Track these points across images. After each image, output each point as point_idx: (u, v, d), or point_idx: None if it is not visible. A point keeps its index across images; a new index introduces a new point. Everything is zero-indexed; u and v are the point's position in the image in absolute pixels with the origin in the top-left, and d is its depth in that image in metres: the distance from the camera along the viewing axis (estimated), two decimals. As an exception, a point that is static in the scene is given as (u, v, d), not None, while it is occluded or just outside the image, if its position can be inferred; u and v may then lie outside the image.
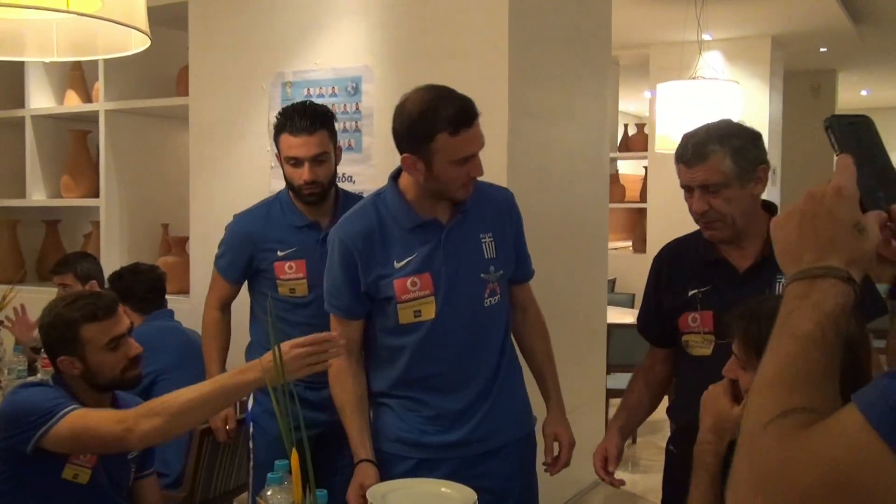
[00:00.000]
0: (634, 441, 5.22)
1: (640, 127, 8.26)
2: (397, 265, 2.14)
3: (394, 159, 3.34)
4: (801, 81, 9.64)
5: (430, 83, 2.10)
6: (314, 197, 2.68)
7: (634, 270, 6.20)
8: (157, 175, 4.49)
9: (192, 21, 3.84)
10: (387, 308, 2.15)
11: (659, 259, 2.30)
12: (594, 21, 4.02)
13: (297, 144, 2.61)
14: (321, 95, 3.56)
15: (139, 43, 2.30)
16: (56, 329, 2.24)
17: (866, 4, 7.23)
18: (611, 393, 4.57)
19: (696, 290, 2.16)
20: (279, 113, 2.68)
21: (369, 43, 3.47)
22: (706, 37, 7.22)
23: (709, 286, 2.15)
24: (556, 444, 2.29)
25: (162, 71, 4.35)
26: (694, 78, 6.29)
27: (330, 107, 3.69)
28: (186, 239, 4.14)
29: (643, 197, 8.25)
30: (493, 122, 3.17)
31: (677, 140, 6.43)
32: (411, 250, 2.15)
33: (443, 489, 1.88)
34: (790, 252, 1.07)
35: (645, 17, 6.96)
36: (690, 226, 2.22)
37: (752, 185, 2.06)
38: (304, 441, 1.63)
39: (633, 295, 6.52)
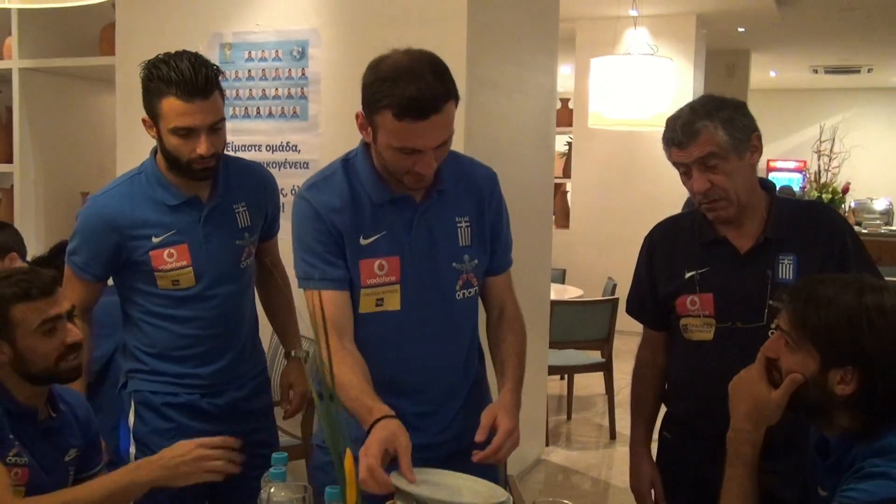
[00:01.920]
0: (570, 417, 5.22)
1: (565, 102, 8.24)
2: (363, 242, 1.91)
3: (342, 127, 3.23)
4: (717, 60, 9.81)
5: (418, 49, 1.81)
6: (208, 172, 2.24)
7: (558, 245, 6.21)
8: (76, 140, 4.18)
9: (117, -24, 3.55)
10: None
11: (650, 240, 2.22)
12: None
13: (191, 111, 2.14)
14: (263, 59, 3.36)
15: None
16: None
17: (789, -14, 7.37)
18: (552, 370, 4.54)
19: (693, 272, 2.09)
20: (151, 68, 2.17)
21: (317, 5, 3.28)
22: (633, 13, 7.23)
23: (707, 267, 2.08)
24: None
25: (82, 29, 4.04)
26: (627, 54, 6.29)
27: (273, 72, 3.56)
28: (109, 209, 3.88)
29: (566, 173, 8.27)
30: None
31: (611, 116, 6.46)
32: (379, 227, 1.92)
33: (471, 483, 1.71)
34: None
35: (573, -9, 6.92)
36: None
37: (749, 154, 2.01)
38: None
39: (564, 270, 6.51)
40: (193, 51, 2.21)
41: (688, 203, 5.72)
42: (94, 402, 2.31)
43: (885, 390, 1.52)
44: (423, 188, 1.91)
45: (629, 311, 2.28)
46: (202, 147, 2.17)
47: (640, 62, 5.92)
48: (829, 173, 9.81)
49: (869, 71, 12.28)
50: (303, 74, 3.33)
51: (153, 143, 2.28)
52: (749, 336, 2.01)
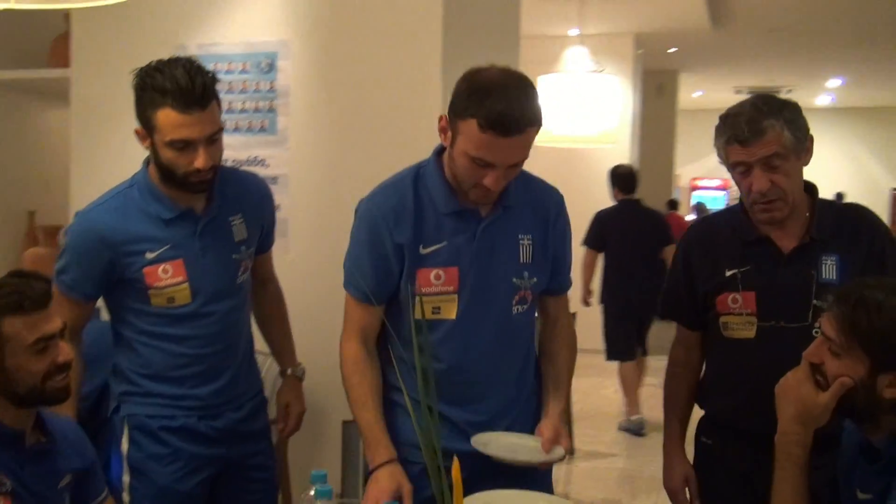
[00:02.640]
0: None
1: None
2: (423, 251, 1.95)
3: (313, 141, 3.16)
4: (649, 80, 10.07)
5: (516, 70, 1.92)
6: (205, 185, 2.17)
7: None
8: (21, 156, 3.99)
9: (74, -17, 3.41)
10: (404, 299, 1.96)
11: (687, 239, 2.26)
12: (508, 9, 3.93)
13: (189, 123, 2.06)
14: (230, 72, 3.26)
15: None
16: None
17: (726, 7, 7.59)
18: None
19: (735, 270, 2.10)
20: (144, 77, 2.10)
21: (288, 16, 3.20)
22: (574, 32, 7.34)
23: (749, 266, 2.10)
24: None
25: (30, 41, 3.85)
26: (572, 72, 6.37)
27: (240, 85, 3.46)
28: (59, 228, 3.70)
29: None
30: (427, 107, 3.03)
31: (558, 133, 6.53)
32: (441, 238, 1.95)
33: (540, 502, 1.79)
34: None
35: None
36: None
37: (804, 156, 2.04)
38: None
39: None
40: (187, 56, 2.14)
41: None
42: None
43: None
44: (488, 203, 1.94)
45: (663, 312, 2.32)
46: (200, 160, 2.09)
47: (587, 80, 6.00)
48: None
49: (789, 91, 12.77)
50: (271, 87, 3.25)
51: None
52: (793, 335, 2.04)
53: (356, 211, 2.06)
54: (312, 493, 1.69)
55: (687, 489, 2.21)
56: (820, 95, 13.86)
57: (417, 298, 1.92)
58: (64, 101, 3.56)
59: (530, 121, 1.83)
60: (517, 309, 2.02)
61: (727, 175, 2.17)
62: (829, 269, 2.07)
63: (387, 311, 2.05)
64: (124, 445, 2.26)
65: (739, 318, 2.09)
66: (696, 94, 13.42)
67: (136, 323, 2.23)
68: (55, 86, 3.62)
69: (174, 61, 2.10)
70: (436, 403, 1.34)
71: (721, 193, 14.82)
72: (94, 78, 3.41)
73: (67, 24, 3.50)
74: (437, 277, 1.94)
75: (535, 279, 2.04)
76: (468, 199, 1.94)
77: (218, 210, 2.26)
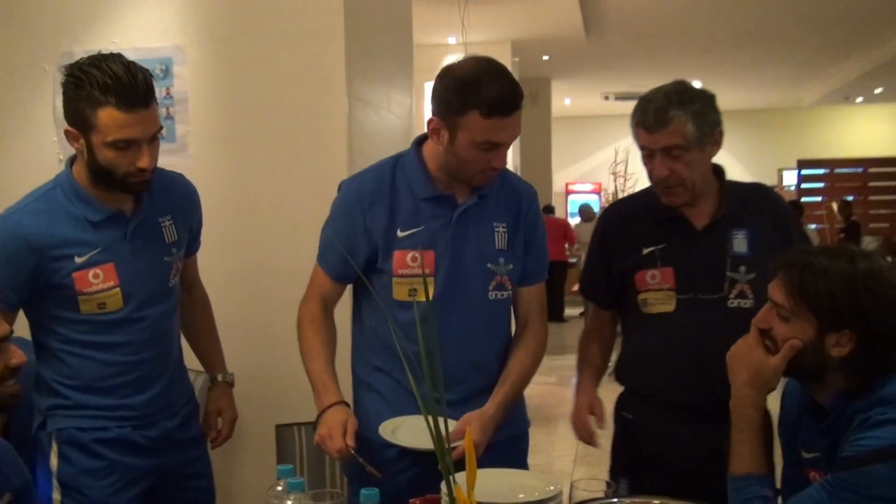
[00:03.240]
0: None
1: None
2: (400, 234, 2.03)
3: (214, 148, 3.10)
4: (524, 88, 10.27)
5: (482, 55, 2.01)
6: (145, 185, 2.11)
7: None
8: None
9: (-54, -10, 3.23)
10: (383, 280, 2.07)
11: (604, 221, 2.35)
12: (400, 15, 3.97)
13: (134, 123, 2.00)
14: (122, 79, 3.16)
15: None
16: None
17: (598, 14, 7.88)
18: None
19: (653, 248, 2.19)
20: (78, 72, 2.01)
21: (182, 21, 3.12)
22: (451, 40, 7.44)
23: (665, 243, 2.19)
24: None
25: None
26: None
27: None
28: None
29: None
30: (332, 110, 3.04)
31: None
32: (418, 222, 2.04)
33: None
34: None
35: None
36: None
37: (710, 147, 2.13)
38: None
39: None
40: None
41: None
42: None
43: (881, 348, 1.63)
44: (485, 184, 2.05)
45: (582, 290, 2.41)
46: (144, 160, 2.03)
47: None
48: (626, 193, 10.51)
49: (652, 96, 13.32)
50: (167, 94, 3.15)
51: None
52: (710, 306, 2.15)
53: (338, 189, 2.17)
54: (280, 487, 1.69)
55: (592, 418, 2.29)
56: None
57: (394, 279, 2.03)
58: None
59: (521, 95, 1.98)
60: (494, 295, 2.09)
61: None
62: (739, 242, 2.18)
63: (363, 293, 2.16)
64: (53, 461, 2.16)
65: (658, 293, 2.18)
66: (567, 101, 13.84)
67: (63, 332, 2.14)
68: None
69: (109, 57, 2.02)
70: (440, 374, 1.38)
71: (594, 196, 15.29)
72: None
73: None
74: (414, 259, 2.02)
75: (510, 265, 2.11)
76: (451, 187, 2.05)
77: (147, 211, 2.19)
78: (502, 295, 2.12)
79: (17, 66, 3.22)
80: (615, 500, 1.71)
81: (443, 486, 1.54)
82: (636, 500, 1.74)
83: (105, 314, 2.14)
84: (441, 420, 1.30)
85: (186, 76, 3.13)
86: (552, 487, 1.68)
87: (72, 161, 2.15)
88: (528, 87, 10.55)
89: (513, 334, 2.21)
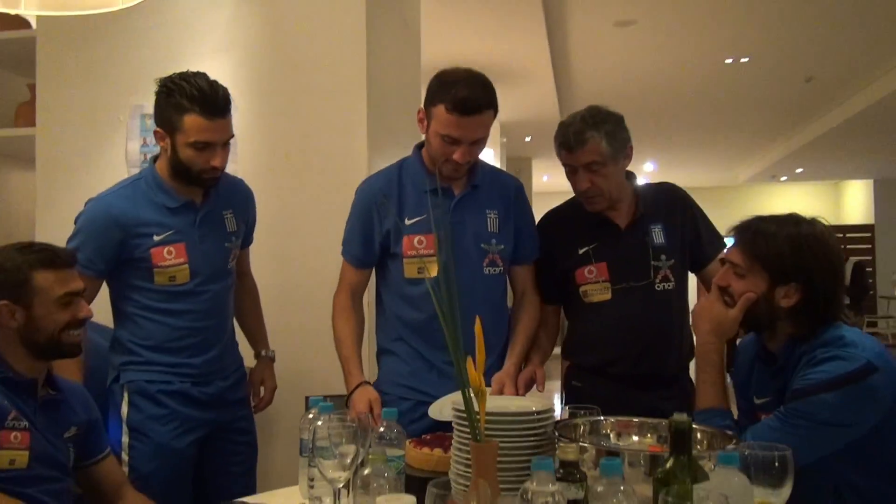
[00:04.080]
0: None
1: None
2: (407, 222, 2.33)
3: (256, 183, 3.49)
4: (510, 166, 10.89)
5: (469, 69, 2.26)
6: (215, 181, 2.45)
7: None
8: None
9: (40, 54, 3.74)
10: (396, 262, 2.36)
11: (545, 226, 2.56)
12: (412, 60, 4.33)
13: (213, 128, 2.34)
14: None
15: None
16: (3, 270, 1.97)
17: (571, 100, 8.54)
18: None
19: (587, 248, 2.43)
20: (170, 84, 2.35)
21: (232, 77, 3.50)
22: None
23: (596, 242, 2.45)
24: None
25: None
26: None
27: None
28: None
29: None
30: (355, 154, 3.40)
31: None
32: (421, 211, 2.33)
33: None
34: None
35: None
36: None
37: (623, 160, 2.43)
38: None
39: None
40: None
41: None
42: None
43: (823, 298, 1.81)
44: (458, 178, 2.31)
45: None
46: (217, 160, 2.39)
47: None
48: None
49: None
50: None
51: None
52: (641, 291, 2.38)
53: (355, 193, 2.47)
54: (311, 415, 1.89)
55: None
56: (640, 178, 15.08)
57: (405, 260, 2.33)
58: (24, 162, 3.84)
59: (487, 104, 2.22)
60: (489, 270, 2.39)
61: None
62: (657, 235, 2.42)
63: (381, 280, 2.45)
64: (124, 409, 2.43)
65: (596, 285, 2.40)
66: (545, 178, 14.40)
67: (139, 299, 2.44)
68: (15, 146, 3.91)
69: (194, 74, 2.38)
70: (457, 303, 1.56)
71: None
72: (59, 136, 3.71)
73: (32, 92, 3.83)
74: (420, 242, 2.31)
75: (502, 246, 2.40)
76: (444, 179, 2.31)
77: (214, 203, 2.55)
78: (495, 270, 2.39)
79: (97, 116, 3.70)
80: (601, 418, 1.81)
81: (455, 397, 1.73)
82: (620, 419, 1.79)
83: (174, 286, 2.43)
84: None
85: (237, 123, 3.60)
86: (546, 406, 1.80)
87: (154, 159, 2.54)
88: (513, 165, 11.26)
89: (513, 304, 2.50)
